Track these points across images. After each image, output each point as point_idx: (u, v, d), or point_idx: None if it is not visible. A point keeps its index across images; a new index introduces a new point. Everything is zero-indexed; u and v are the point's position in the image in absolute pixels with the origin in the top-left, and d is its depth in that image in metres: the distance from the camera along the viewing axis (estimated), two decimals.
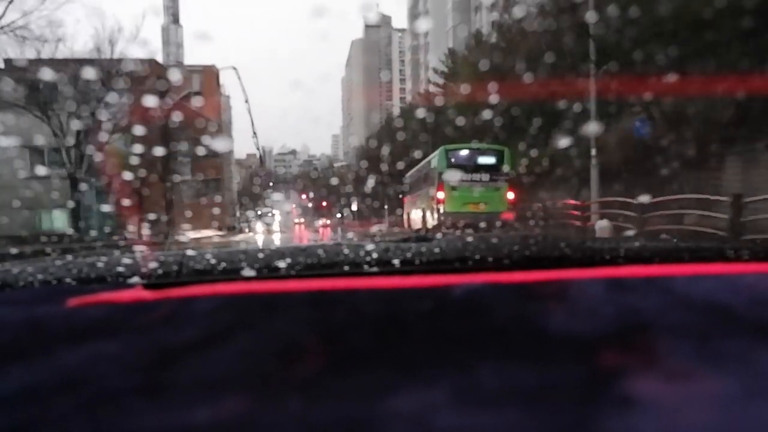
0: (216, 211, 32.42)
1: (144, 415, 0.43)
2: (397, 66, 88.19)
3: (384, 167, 29.22)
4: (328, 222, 55.18)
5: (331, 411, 0.42)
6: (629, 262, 0.74)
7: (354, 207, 48.01)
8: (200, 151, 24.96)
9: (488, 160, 14.97)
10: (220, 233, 30.31)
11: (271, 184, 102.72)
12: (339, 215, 58.32)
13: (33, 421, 0.43)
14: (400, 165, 23.36)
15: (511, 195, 14.67)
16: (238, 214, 44.71)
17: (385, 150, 29.26)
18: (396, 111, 37.78)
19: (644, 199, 9.43)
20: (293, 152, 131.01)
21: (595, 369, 0.47)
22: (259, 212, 36.64)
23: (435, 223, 14.77)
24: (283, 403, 0.43)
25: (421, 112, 28.05)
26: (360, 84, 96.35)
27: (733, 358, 0.48)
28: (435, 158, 15.84)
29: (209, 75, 40.38)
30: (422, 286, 0.65)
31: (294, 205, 70.06)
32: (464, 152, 15.32)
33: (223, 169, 39.02)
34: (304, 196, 71.24)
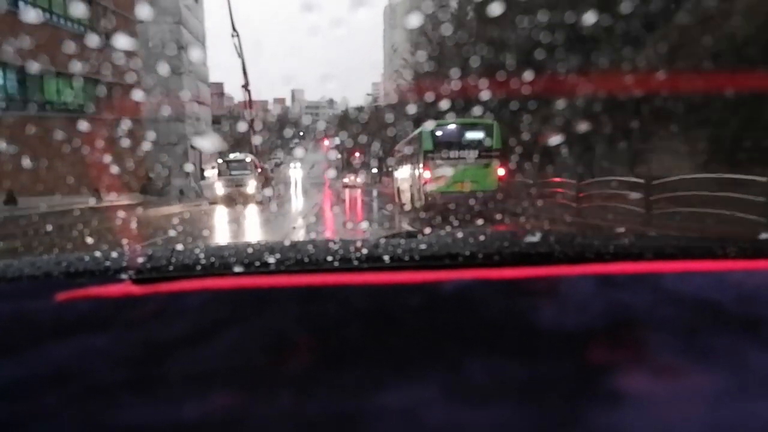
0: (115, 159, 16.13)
1: (134, 409, 0.43)
2: None
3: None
4: (359, 180, 39.01)
5: (321, 406, 0.43)
6: (618, 258, 0.74)
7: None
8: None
9: (476, 135, 13.84)
10: (95, 203, 14.75)
11: (301, 134, 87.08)
12: (375, 170, 41.98)
13: (22, 415, 0.43)
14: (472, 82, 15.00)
15: (501, 171, 13.66)
16: (193, 168, 28.33)
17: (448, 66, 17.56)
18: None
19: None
20: (330, 101, 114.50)
21: (584, 365, 0.47)
22: (220, 160, 19.58)
23: (422, 203, 13.64)
24: (273, 398, 0.43)
25: None
26: (405, 11, 78.30)
27: (720, 354, 0.49)
28: (419, 136, 14.56)
29: None
30: (412, 282, 0.65)
31: (323, 157, 54.31)
32: (450, 128, 14.08)
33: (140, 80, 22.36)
34: (327, 143, 55.56)
